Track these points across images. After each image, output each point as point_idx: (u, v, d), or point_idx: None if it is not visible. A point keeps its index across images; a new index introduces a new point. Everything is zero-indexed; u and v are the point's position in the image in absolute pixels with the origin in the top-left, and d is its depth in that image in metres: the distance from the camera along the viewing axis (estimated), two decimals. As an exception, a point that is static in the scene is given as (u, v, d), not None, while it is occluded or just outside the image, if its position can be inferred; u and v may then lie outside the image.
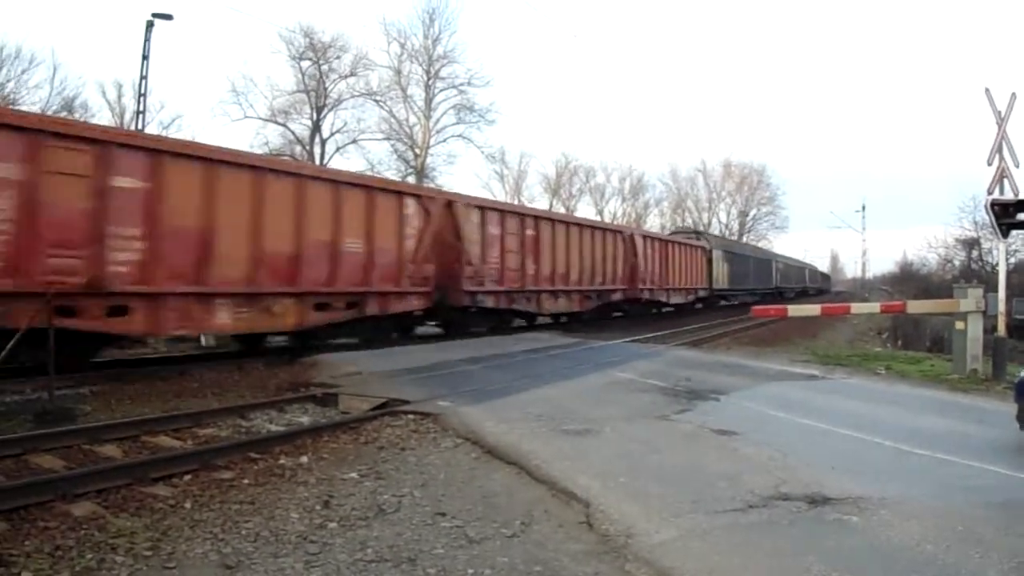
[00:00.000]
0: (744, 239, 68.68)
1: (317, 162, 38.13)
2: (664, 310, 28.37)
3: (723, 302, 37.28)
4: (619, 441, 6.63)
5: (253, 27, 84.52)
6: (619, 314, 24.73)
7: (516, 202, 51.48)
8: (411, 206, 14.12)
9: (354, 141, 42.16)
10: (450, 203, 15.53)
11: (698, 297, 32.26)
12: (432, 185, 36.20)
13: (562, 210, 55.60)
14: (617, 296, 23.35)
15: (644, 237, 26.07)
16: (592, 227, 22.68)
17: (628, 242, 24.02)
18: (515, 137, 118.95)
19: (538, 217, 19.44)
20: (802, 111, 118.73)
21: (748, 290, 41.46)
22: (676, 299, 28.91)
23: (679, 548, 4.13)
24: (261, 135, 39.96)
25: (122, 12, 66.26)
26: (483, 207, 16.90)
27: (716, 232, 67.38)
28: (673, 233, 38.03)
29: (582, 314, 21.16)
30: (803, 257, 74.25)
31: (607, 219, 57.73)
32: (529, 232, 18.17)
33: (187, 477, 5.39)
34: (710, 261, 33.20)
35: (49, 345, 7.49)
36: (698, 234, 37.48)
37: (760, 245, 64.70)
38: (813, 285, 68.42)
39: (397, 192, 14.29)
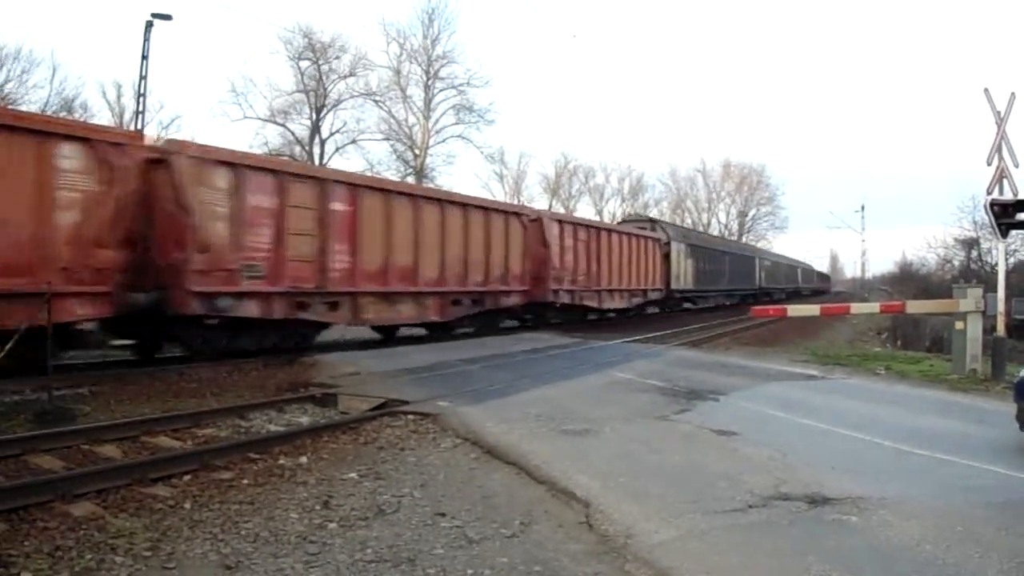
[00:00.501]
0: (743, 239, 68.33)
1: (317, 162, 38.12)
2: (607, 316, 23.59)
3: (688, 305, 32.01)
4: (619, 441, 6.63)
5: (252, 27, 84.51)
6: (528, 320, 19.75)
7: (516, 202, 50.80)
8: (72, 157, 9.04)
9: (353, 141, 42.33)
10: (163, 158, 10.20)
11: (649, 300, 26.58)
12: (431, 186, 35.86)
13: (562, 211, 52.89)
14: (513, 299, 17.81)
15: (560, 223, 20.41)
16: (464, 204, 16.31)
17: (532, 228, 18.42)
18: (514, 137, 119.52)
19: (356, 185, 13.23)
20: (802, 111, 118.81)
21: (723, 291, 36.03)
22: (614, 303, 23.37)
23: (679, 548, 4.13)
24: (260, 135, 40.14)
25: (122, 12, 66.36)
26: (236, 164, 11.00)
27: (716, 232, 66.97)
28: (621, 222, 31.30)
29: (449, 325, 15.67)
30: (803, 257, 73.03)
31: (606, 220, 56.06)
32: (338, 207, 12.51)
33: (187, 477, 5.39)
34: (668, 256, 27.57)
35: (48, 344, 7.50)
36: (653, 222, 30.29)
37: (760, 245, 64.12)
38: (807, 286, 63.86)
39: (38, 132, 8.87)
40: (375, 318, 13.78)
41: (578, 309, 21.49)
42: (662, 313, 28.44)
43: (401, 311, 14.19)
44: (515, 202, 49.62)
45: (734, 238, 66.23)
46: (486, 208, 17.32)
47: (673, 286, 28.21)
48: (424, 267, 14.56)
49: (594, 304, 22.13)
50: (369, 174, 31.30)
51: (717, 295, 35.70)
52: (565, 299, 20.07)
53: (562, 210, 54.57)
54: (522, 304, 18.43)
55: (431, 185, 36.16)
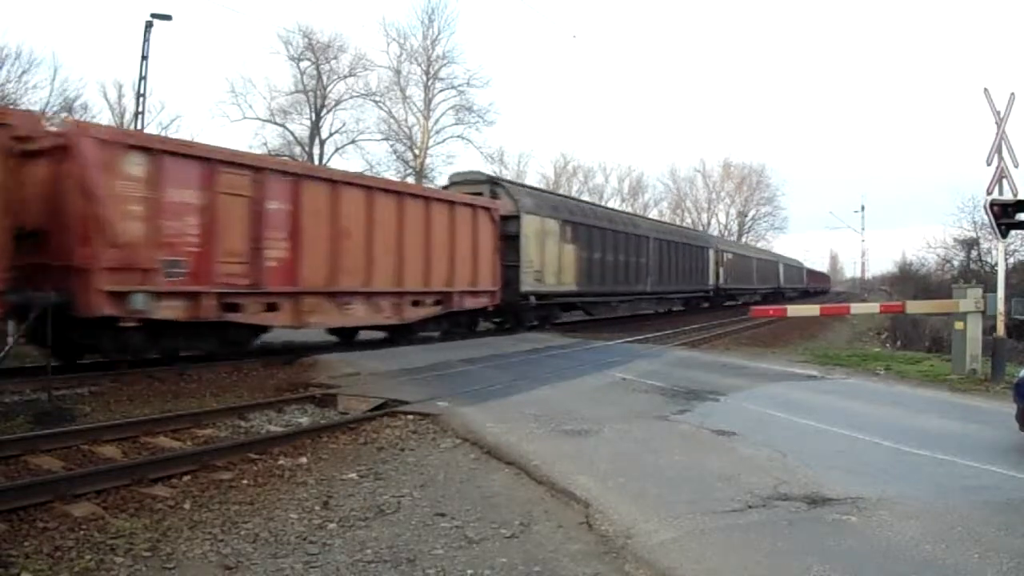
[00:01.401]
0: (744, 239, 68.08)
1: (316, 162, 38.11)
2: (357, 342, 13.80)
3: (573, 316, 21.80)
4: (618, 441, 6.63)
5: (252, 27, 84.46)
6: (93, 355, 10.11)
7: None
8: None
9: (353, 142, 42.28)
10: None
11: (455, 311, 15.34)
12: (431, 186, 35.57)
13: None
14: None
15: (157, 154, 9.45)
16: None
17: (42, 161, 8.77)
18: (514, 137, 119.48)
19: None
20: (802, 111, 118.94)
21: (645, 294, 24.99)
22: (347, 317, 12.76)
23: (678, 548, 4.12)
24: (260, 136, 40.12)
25: (122, 12, 66.34)
26: None
27: (715, 233, 66.59)
28: (448, 186, 19.03)
29: None
30: (803, 257, 71.93)
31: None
32: None
33: (186, 478, 5.39)
34: (514, 238, 17.30)
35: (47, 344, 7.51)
36: (495, 185, 18.57)
37: (760, 245, 63.31)
38: (793, 286, 52.64)
39: None
40: None
41: (226, 329, 10.66)
42: (502, 330, 17.74)
43: None
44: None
45: (733, 238, 65.80)
46: None
47: (526, 286, 17.53)
48: None
49: (286, 320, 11.54)
50: (370, 174, 30.96)
51: (632, 300, 24.45)
52: (164, 311, 9.62)
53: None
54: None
55: (431, 186, 35.72)
